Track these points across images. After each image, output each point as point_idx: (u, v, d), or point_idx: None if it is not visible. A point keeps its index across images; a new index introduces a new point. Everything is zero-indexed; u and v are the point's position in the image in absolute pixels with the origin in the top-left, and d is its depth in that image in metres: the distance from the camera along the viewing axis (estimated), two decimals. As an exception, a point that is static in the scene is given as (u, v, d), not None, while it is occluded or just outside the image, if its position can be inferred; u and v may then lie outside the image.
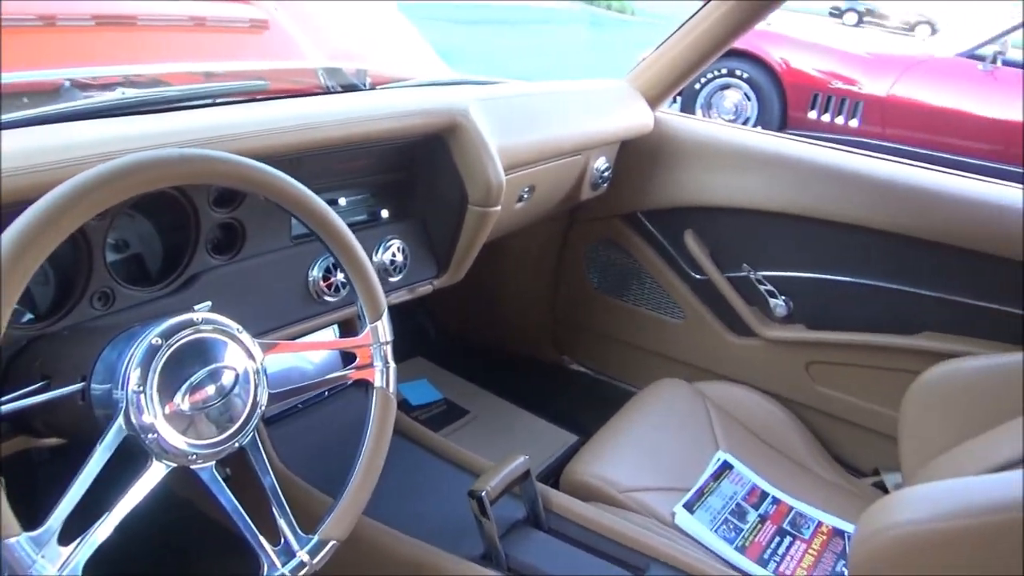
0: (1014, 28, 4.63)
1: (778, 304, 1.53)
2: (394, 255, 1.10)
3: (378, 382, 0.76)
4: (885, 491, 1.40)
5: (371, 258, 1.00)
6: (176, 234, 0.88)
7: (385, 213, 1.13)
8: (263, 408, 0.67)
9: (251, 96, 1.05)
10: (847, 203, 1.42)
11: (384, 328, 0.77)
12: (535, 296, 1.82)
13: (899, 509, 0.92)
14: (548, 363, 1.86)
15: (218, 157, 0.66)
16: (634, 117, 1.51)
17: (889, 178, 1.40)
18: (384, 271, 1.09)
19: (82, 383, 0.63)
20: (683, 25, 1.46)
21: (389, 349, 0.77)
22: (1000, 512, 0.82)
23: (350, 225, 0.80)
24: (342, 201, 1.07)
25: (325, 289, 0.99)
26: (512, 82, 1.46)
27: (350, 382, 0.79)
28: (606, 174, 1.53)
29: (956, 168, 1.44)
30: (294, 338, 0.97)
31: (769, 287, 1.53)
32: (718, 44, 1.43)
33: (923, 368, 1.30)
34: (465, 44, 6.21)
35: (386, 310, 0.78)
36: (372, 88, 1.25)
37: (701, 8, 1.41)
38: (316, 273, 0.99)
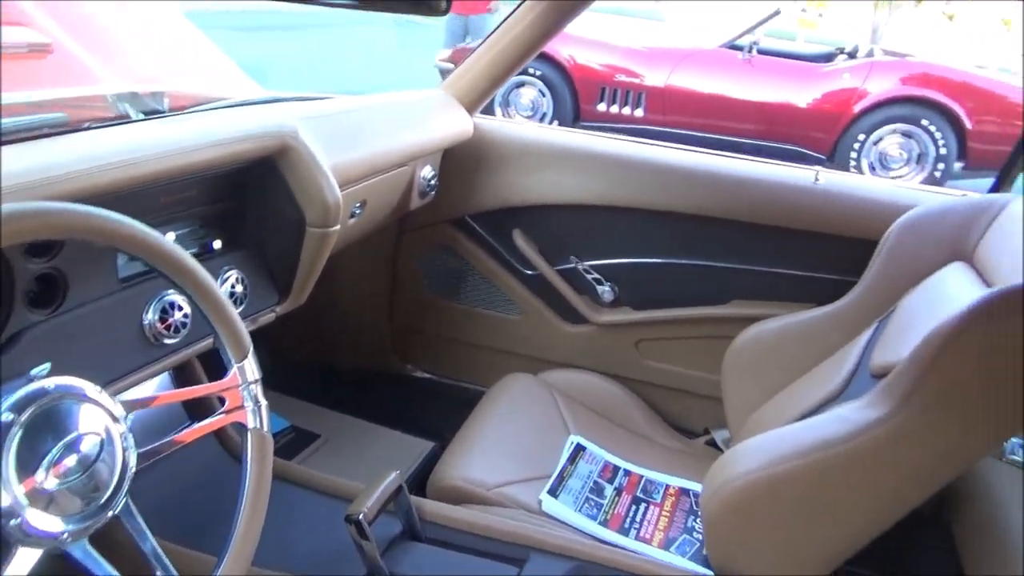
0: (765, 20, 5.22)
1: (605, 290, 1.64)
2: (233, 287, 1.05)
3: (252, 423, 0.73)
4: (716, 447, 1.55)
5: None
6: None
7: (217, 244, 1.08)
8: (133, 471, 0.63)
9: (53, 131, 0.96)
10: (656, 192, 1.55)
11: (252, 366, 0.75)
12: (372, 308, 1.81)
13: (736, 463, 1.03)
14: (393, 373, 1.86)
15: (60, 209, 0.60)
16: (454, 124, 1.55)
17: (691, 167, 1.55)
18: None
19: None
20: (493, 32, 1.51)
21: (259, 387, 0.75)
22: (812, 452, 0.96)
23: None
24: (170, 236, 1.01)
25: (164, 331, 0.93)
26: (331, 96, 1.44)
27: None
28: (433, 182, 1.56)
29: (730, 149, 1.63)
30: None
31: (595, 275, 1.63)
32: (529, 49, 1.50)
33: (736, 333, 1.46)
34: (263, 54, 5.93)
35: (251, 347, 0.75)
36: (176, 111, 1.18)
37: (510, 15, 1.48)
38: (151, 315, 0.92)
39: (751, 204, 1.50)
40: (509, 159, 1.62)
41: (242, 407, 0.73)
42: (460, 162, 1.62)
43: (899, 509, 0.95)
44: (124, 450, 0.62)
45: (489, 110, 1.70)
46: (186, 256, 0.71)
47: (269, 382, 1.67)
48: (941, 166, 4.95)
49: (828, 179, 1.49)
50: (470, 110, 1.59)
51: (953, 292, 1.12)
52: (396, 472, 1.04)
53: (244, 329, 0.75)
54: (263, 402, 0.75)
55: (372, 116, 1.35)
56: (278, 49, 7.09)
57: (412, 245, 1.75)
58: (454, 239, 1.70)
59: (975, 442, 0.92)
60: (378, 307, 1.81)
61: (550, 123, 5.46)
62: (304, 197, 1.08)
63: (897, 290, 1.26)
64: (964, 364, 0.86)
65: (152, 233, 0.68)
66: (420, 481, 1.44)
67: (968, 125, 4.84)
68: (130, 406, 0.64)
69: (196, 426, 0.70)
